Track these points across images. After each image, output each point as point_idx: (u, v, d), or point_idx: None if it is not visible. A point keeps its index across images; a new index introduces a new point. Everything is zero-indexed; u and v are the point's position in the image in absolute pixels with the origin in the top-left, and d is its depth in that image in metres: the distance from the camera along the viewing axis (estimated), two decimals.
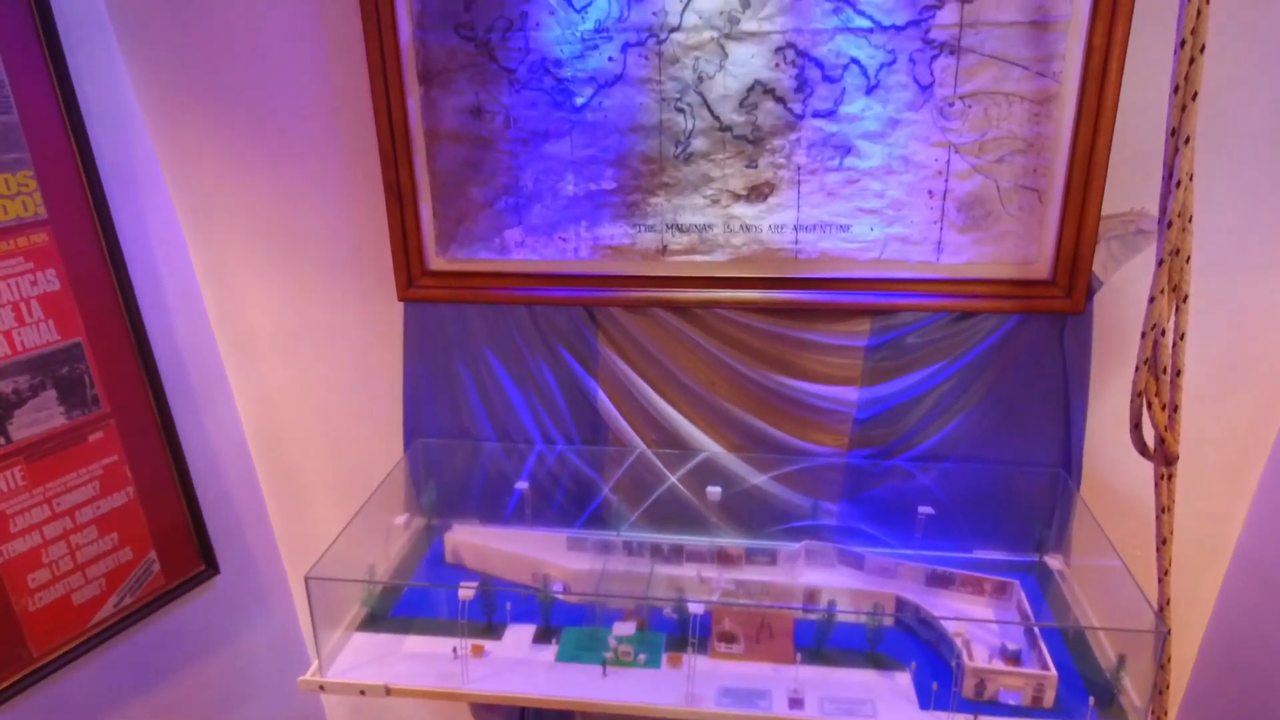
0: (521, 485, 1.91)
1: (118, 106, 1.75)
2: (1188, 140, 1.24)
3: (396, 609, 1.70)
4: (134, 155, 1.79)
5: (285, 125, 1.77)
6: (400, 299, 1.82)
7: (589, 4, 1.56)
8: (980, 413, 1.73)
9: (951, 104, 1.54)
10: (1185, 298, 1.32)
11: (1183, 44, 1.21)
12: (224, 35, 1.72)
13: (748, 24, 1.54)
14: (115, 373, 1.75)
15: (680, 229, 1.70)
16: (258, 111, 1.77)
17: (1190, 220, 1.29)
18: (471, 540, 1.84)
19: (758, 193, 1.65)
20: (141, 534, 1.84)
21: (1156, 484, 1.45)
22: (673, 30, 1.56)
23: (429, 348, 1.87)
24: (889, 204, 1.62)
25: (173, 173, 1.85)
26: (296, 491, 2.18)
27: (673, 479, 1.86)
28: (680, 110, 1.61)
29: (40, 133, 1.57)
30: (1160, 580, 1.50)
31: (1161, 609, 1.50)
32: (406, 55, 1.64)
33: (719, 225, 1.68)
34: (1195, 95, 1.22)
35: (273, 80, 1.74)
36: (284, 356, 2.02)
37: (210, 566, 1.99)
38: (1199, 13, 1.19)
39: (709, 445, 1.85)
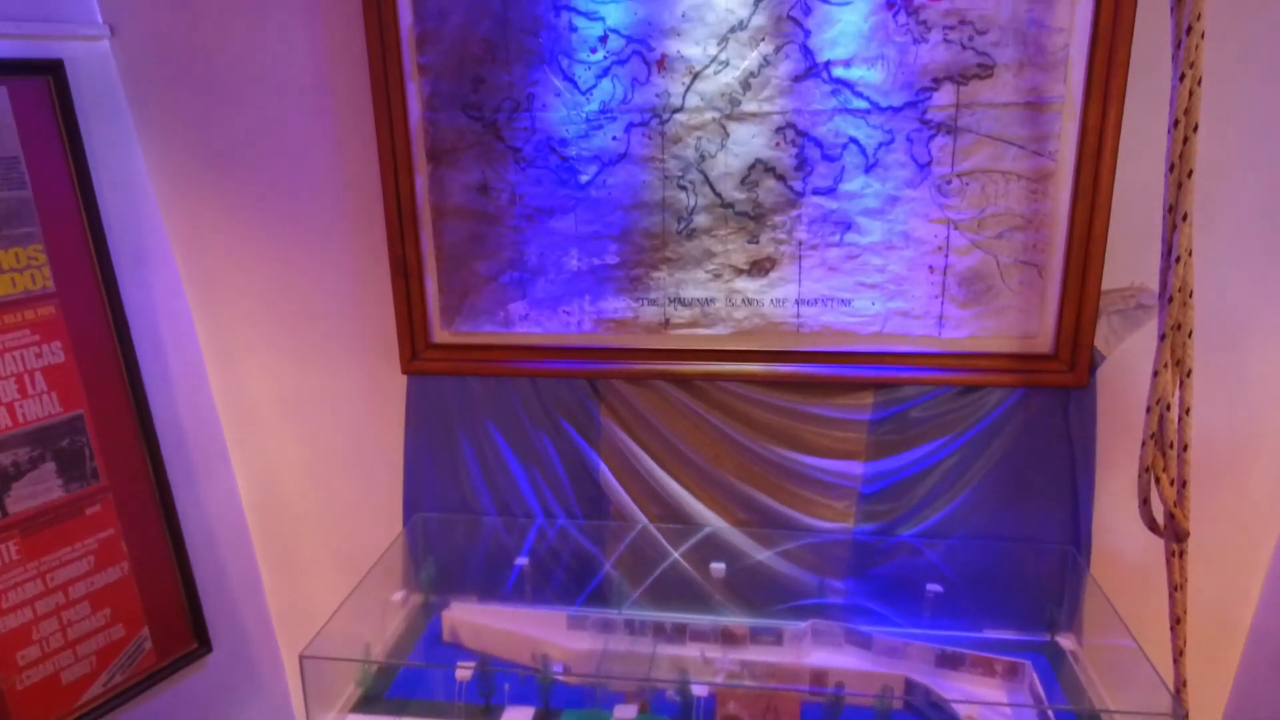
0: (521, 561, 1.88)
1: (130, 181, 1.78)
2: (1185, 217, 1.25)
3: (392, 689, 1.65)
4: (143, 229, 1.81)
5: (294, 201, 1.81)
6: (404, 372, 1.83)
7: (594, 86, 1.60)
8: (986, 488, 1.71)
9: (949, 182, 1.56)
10: (1189, 372, 1.32)
11: (1176, 124, 1.23)
12: (237, 114, 1.76)
13: (748, 105, 1.57)
14: (116, 445, 1.74)
15: (683, 303, 1.71)
16: (267, 187, 1.81)
17: (1191, 295, 1.29)
18: (470, 618, 1.80)
19: (759, 267, 1.67)
20: (134, 610, 1.81)
21: (1168, 561, 1.43)
22: (675, 111, 1.60)
23: (431, 420, 1.87)
24: (890, 279, 1.63)
25: (181, 246, 1.88)
26: (293, 566, 2.15)
27: (675, 555, 1.83)
28: (683, 187, 1.64)
29: (52, 207, 1.60)
30: (1176, 661, 1.46)
31: (1178, 691, 1.46)
32: (416, 135, 1.68)
33: (721, 299, 1.70)
34: (1191, 173, 1.24)
35: (283, 157, 1.78)
36: (286, 430, 2.01)
37: (203, 644, 1.95)
38: (1191, 94, 1.22)
39: (712, 520, 1.83)
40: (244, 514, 2.09)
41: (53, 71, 1.58)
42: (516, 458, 1.86)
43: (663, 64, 1.57)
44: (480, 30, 1.61)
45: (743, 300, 1.69)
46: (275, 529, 2.11)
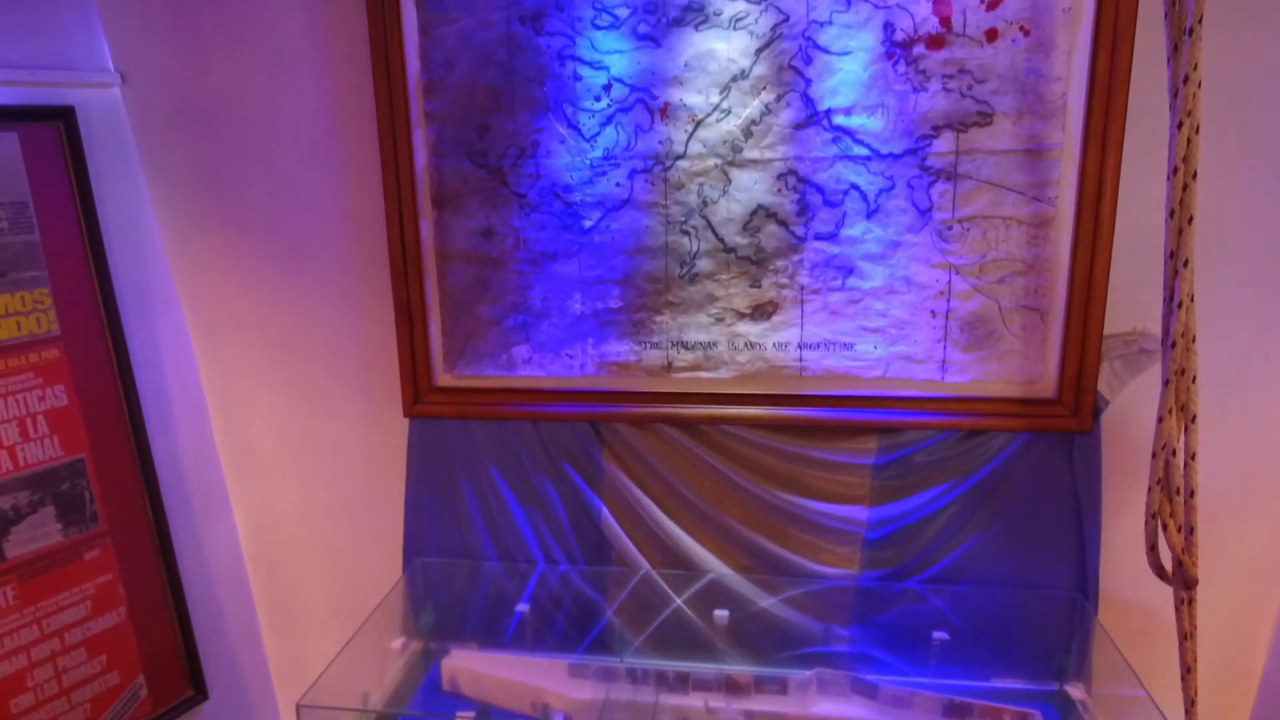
0: (522, 608, 1.86)
1: (137, 225, 1.80)
2: (1187, 263, 1.26)
3: None
4: (150, 273, 1.82)
5: (299, 244, 1.82)
6: (406, 415, 1.82)
7: (598, 133, 1.62)
8: (992, 533, 1.70)
9: (950, 227, 1.58)
10: (1194, 418, 1.32)
11: (1175, 171, 1.24)
12: (245, 159, 1.78)
13: (750, 152, 1.59)
14: (116, 489, 1.73)
15: (685, 346, 1.71)
16: (273, 231, 1.82)
17: (1194, 340, 1.29)
18: (469, 666, 1.78)
19: (762, 311, 1.67)
20: (131, 657, 1.78)
21: (1177, 609, 1.41)
22: (678, 158, 1.61)
23: (432, 464, 1.86)
24: (892, 323, 1.64)
25: (187, 289, 1.89)
26: (292, 611, 2.12)
27: (678, 601, 1.81)
28: (685, 232, 1.65)
29: (60, 251, 1.62)
30: (1187, 711, 1.44)
31: None
32: (421, 181, 1.70)
33: (724, 343, 1.70)
34: (1191, 219, 1.24)
35: (289, 202, 1.80)
36: (286, 473, 2.00)
37: (199, 692, 1.92)
38: (1189, 141, 1.23)
39: (716, 566, 1.81)
40: (243, 559, 2.08)
41: (64, 118, 1.61)
42: (518, 502, 1.85)
43: (666, 112, 1.60)
44: (486, 79, 1.63)
45: (745, 344, 1.70)
46: (274, 574, 2.09)
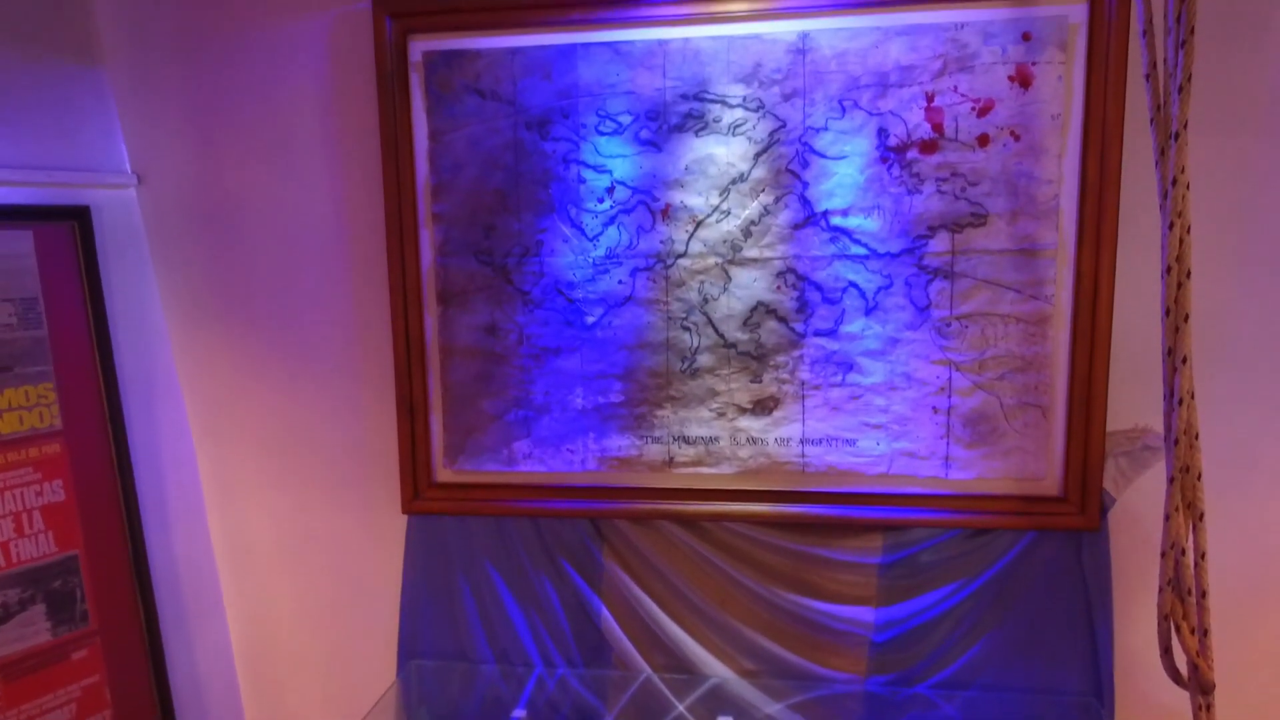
0: (519, 714, 1.79)
1: (146, 322, 1.82)
2: (1185, 360, 1.26)
3: None
4: (155, 368, 1.84)
5: (304, 341, 1.84)
6: (405, 511, 1.80)
7: (601, 233, 1.66)
8: (1003, 635, 1.66)
9: (949, 324, 1.59)
10: (1201, 515, 1.30)
11: (1169, 270, 1.26)
12: (254, 257, 1.82)
13: (750, 251, 1.62)
14: (108, 587, 1.70)
15: (687, 441, 1.71)
16: (279, 328, 1.85)
17: (1197, 437, 1.29)
18: None
19: (763, 406, 1.67)
20: None
21: (1195, 714, 1.36)
22: (679, 256, 1.64)
23: (429, 562, 1.83)
24: (894, 419, 1.64)
25: (190, 385, 1.90)
26: (283, 714, 2.05)
27: (680, 708, 1.75)
28: (686, 328, 1.67)
29: (67, 346, 1.63)
30: None
31: None
32: (427, 278, 1.73)
33: (725, 438, 1.69)
34: (1187, 317, 1.26)
35: (296, 300, 1.82)
36: (282, 570, 1.97)
37: None
38: (1181, 241, 1.25)
39: (719, 669, 1.76)
40: (233, 660, 2.02)
41: (78, 217, 1.65)
42: (516, 601, 1.81)
43: (667, 213, 1.64)
44: (493, 182, 1.68)
45: (747, 439, 1.69)
46: (266, 674, 2.04)
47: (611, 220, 1.66)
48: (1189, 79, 1.21)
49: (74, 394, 1.65)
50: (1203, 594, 1.30)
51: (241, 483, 1.94)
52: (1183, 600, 1.32)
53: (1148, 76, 1.27)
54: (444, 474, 1.80)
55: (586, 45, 1.62)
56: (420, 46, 1.67)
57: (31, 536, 1.59)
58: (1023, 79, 1.51)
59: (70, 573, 1.64)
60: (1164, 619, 1.34)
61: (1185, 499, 1.30)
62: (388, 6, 1.64)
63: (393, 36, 1.65)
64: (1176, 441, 1.29)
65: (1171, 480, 1.30)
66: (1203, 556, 1.30)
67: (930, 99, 1.54)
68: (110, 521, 1.70)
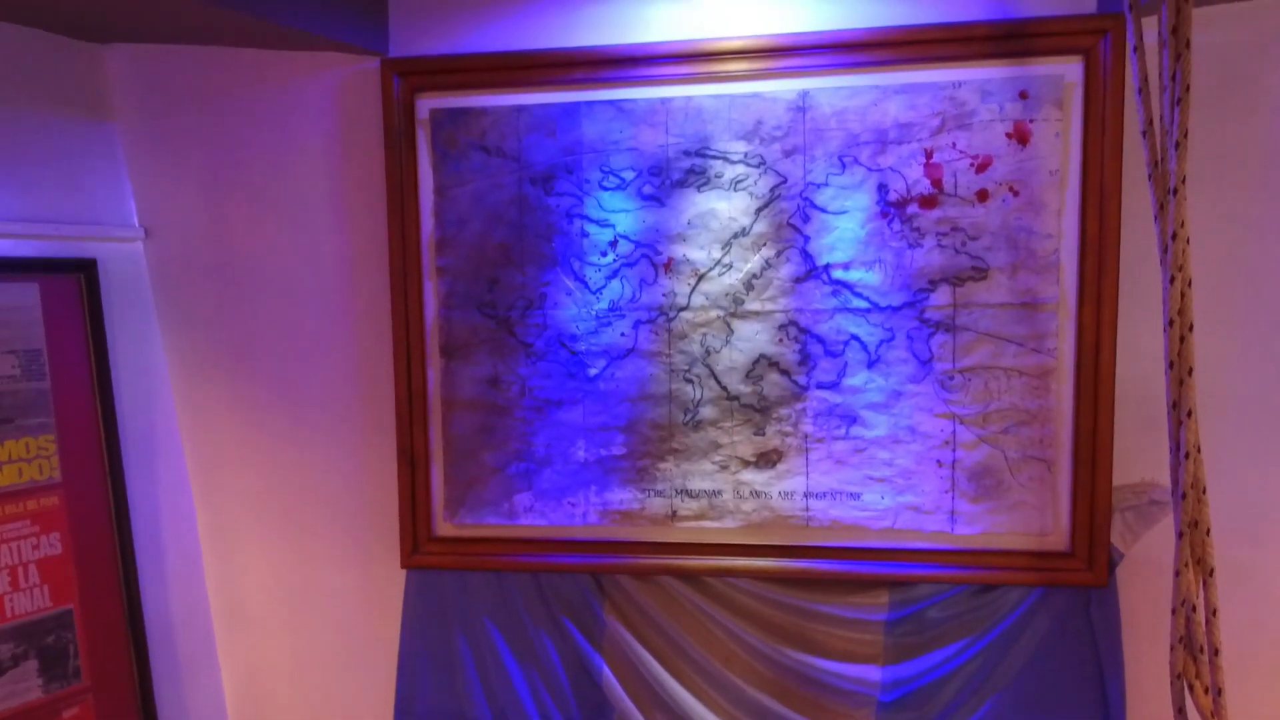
0: None
1: (148, 374, 1.82)
2: (1190, 414, 1.26)
3: None
4: (156, 421, 1.83)
5: (306, 395, 1.84)
6: (404, 566, 1.78)
7: (603, 286, 1.67)
8: (1013, 695, 1.62)
9: (952, 377, 1.59)
10: (1211, 571, 1.28)
11: (1171, 324, 1.26)
12: (259, 309, 1.83)
13: (752, 304, 1.63)
14: (102, 642, 1.67)
15: (690, 494, 1.70)
16: (281, 382, 1.85)
17: (1204, 491, 1.28)
18: None
19: (766, 459, 1.66)
20: None
21: None
22: (681, 309, 1.65)
23: (427, 618, 1.80)
24: (898, 473, 1.62)
25: (191, 438, 1.89)
26: None
27: None
28: (689, 381, 1.67)
29: (69, 398, 1.63)
30: None
31: None
32: (431, 331, 1.74)
33: (728, 491, 1.68)
34: (1191, 370, 1.26)
35: (300, 353, 1.83)
36: (278, 626, 1.94)
37: None
38: (1182, 295, 1.26)
39: None
40: (227, 718, 1.98)
41: (85, 270, 1.66)
42: (515, 659, 1.78)
43: (669, 266, 1.65)
44: (497, 236, 1.70)
45: (750, 492, 1.68)
46: None
47: (614, 273, 1.67)
48: (1185, 135, 1.22)
49: (74, 446, 1.64)
50: (1215, 651, 1.28)
51: (240, 536, 1.92)
52: (1195, 658, 1.30)
53: (1144, 133, 1.29)
54: (444, 527, 1.78)
55: (590, 103, 1.65)
56: (427, 104, 1.70)
57: (26, 591, 1.56)
58: (1020, 136, 1.54)
59: (64, 628, 1.61)
60: (1177, 678, 1.31)
61: (1195, 554, 1.29)
62: (396, 66, 1.68)
63: (400, 94, 1.68)
64: (1184, 496, 1.28)
65: (1180, 535, 1.29)
66: (1214, 613, 1.28)
67: (929, 155, 1.56)
68: (106, 576, 1.68)
